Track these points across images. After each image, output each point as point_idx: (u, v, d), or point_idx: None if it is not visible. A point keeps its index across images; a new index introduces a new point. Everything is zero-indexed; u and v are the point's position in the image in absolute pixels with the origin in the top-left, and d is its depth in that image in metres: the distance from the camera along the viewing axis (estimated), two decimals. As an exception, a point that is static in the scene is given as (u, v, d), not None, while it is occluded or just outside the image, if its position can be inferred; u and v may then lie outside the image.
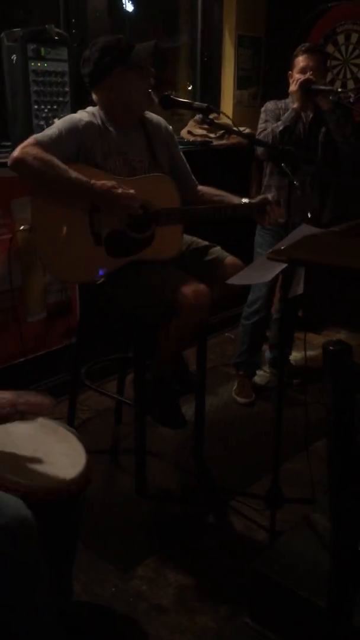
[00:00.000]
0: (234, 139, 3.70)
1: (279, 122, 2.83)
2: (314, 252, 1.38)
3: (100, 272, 2.10)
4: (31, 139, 2.07)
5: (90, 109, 2.21)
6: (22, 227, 2.56)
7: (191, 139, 3.66)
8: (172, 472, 2.52)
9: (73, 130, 2.10)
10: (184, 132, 3.73)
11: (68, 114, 2.74)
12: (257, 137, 2.90)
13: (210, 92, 4.11)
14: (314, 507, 1.96)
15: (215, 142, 3.66)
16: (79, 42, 3.09)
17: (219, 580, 1.94)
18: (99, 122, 2.16)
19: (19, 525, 1.25)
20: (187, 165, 2.39)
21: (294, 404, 2.73)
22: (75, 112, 2.26)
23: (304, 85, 2.78)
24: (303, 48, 2.86)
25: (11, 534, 1.24)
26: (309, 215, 1.92)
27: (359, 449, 1.08)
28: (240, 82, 4.05)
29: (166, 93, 2.16)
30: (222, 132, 3.63)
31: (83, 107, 2.27)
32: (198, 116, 3.72)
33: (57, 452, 1.50)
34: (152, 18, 3.92)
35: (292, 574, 1.63)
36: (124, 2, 3.45)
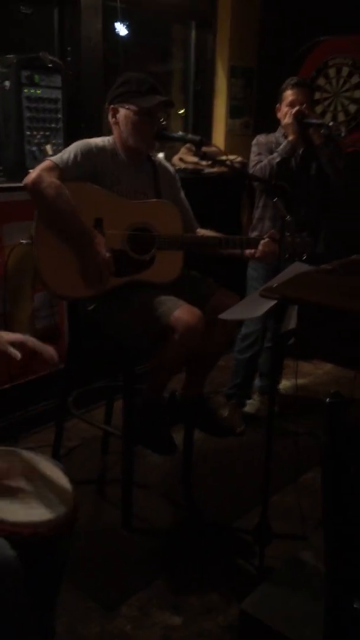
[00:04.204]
0: (225, 167, 3.71)
1: (275, 154, 2.83)
2: (306, 290, 1.38)
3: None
4: (48, 162, 2.11)
5: (103, 137, 2.26)
6: (22, 241, 2.54)
7: (182, 166, 3.66)
8: (159, 503, 2.47)
9: (88, 154, 2.15)
10: (175, 159, 3.73)
11: (60, 140, 2.76)
12: (251, 169, 2.91)
13: (202, 121, 4.15)
14: (303, 544, 1.93)
15: (206, 170, 3.68)
16: (73, 70, 3.10)
17: (206, 620, 1.89)
18: (111, 149, 2.22)
19: (3, 567, 1.21)
20: (190, 209, 2.43)
21: (284, 434, 2.70)
22: (68, 138, 2.27)
23: (298, 117, 2.81)
24: (292, 82, 2.88)
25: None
26: (304, 257, 1.93)
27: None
28: (233, 112, 4.09)
29: (162, 122, 2.20)
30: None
31: (76, 133, 2.29)
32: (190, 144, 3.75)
33: (43, 488, 1.46)
34: (145, 45, 3.97)
35: (281, 617, 1.59)
36: (117, 29, 3.48)
